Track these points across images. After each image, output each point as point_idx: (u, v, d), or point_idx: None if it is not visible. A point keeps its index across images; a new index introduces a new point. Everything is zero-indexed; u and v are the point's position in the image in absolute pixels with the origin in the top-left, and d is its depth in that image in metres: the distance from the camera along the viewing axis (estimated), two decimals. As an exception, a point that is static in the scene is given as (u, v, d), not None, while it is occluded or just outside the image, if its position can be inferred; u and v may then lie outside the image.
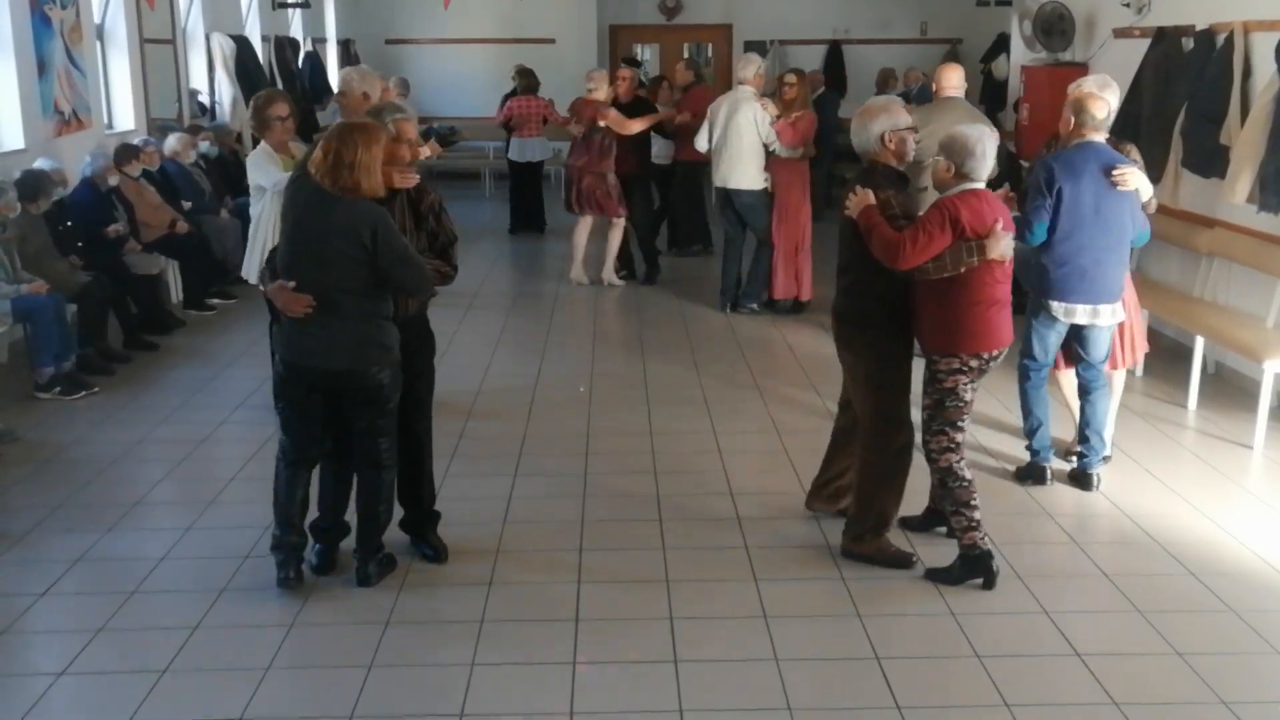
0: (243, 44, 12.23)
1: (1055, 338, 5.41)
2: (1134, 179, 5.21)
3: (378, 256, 4.07)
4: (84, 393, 6.84)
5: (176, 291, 9.10)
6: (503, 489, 5.44)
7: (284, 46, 13.95)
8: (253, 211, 6.26)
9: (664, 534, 4.95)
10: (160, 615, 4.26)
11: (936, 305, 4.42)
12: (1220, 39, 7.28)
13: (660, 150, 10.93)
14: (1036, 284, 5.38)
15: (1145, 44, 8.17)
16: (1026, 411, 5.55)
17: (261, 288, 4.33)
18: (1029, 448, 5.59)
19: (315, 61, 14.97)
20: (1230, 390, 6.95)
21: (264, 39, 13.26)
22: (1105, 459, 5.60)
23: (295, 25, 14.84)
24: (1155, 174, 7.83)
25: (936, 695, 3.74)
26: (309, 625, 4.19)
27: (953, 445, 4.47)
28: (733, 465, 5.75)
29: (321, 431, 4.39)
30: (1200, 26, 7.55)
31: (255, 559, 4.67)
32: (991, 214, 4.35)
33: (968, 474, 4.49)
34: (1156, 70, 7.92)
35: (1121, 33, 8.72)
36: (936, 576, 4.52)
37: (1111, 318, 5.32)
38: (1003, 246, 4.32)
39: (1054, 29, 9.53)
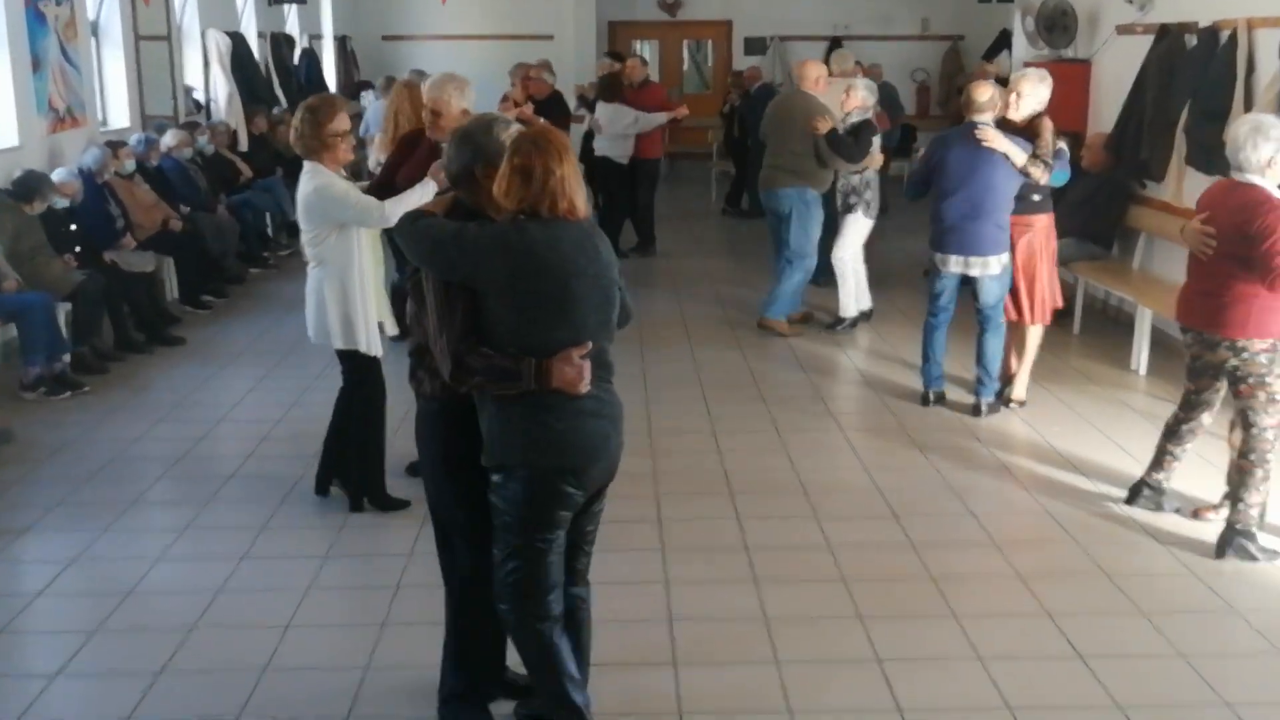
0: (238, 40, 12.18)
1: (946, 287, 6.33)
2: (993, 139, 5.94)
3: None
4: (70, 393, 6.75)
5: (172, 289, 9.07)
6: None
7: (280, 43, 13.91)
8: (318, 255, 4.69)
9: (664, 535, 4.93)
10: (156, 615, 4.23)
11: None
12: (1224, 36, 7.25)
13: (618, 149, 10.71)
14: (929, 240, 6.41)
15: (1148, 41, 8.14)
16: (923, 348, 6.56)
17: (465, 387, 3.04)
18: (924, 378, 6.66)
19: (311, 58, 14.94)
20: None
21: (260, 35, 13.22)
22: (1000, 395, 6.45)
23: (291, 21, 14.79)
24: (1159, 171, 7.84)
25: (938, 697, 3.71)
26: (305, 627, 4.15)
27: None
28: (731, 464, 5.73)
29: None
30: (1204, 23, 7.52)
31: (251, 559, 4.64)
32: None
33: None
34: (1160, 67, 7.90)
35: (1124, 29, 8.69)
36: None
37: (982, 269, 6.15)
38: None
39: (1057, 25, 9.50)
